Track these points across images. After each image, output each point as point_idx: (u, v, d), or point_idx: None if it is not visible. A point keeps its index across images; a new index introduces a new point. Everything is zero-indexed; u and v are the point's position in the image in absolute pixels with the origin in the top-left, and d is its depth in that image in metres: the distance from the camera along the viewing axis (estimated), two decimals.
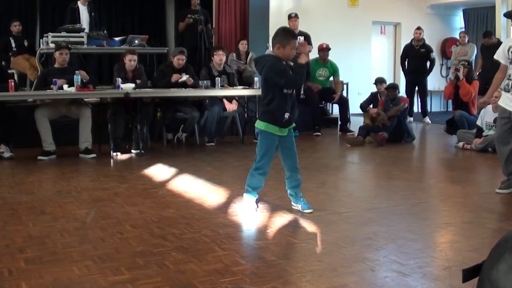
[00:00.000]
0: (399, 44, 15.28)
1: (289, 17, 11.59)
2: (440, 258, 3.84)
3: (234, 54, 10.82)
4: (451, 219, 4.98)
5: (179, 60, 8.90)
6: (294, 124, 4.96)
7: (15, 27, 10.86)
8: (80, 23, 10.28)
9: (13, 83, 7.72)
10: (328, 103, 12.09)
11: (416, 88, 12.90)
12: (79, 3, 10.56)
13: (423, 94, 12.93)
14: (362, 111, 10.34)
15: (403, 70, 13.11)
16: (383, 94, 10.01)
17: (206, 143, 9.15)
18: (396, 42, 15.98)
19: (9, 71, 9.97)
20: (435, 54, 13.42)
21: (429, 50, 12.61)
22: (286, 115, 4.79)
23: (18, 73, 10.33)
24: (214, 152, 8.59)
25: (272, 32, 12.03)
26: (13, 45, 10.68)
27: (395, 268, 3.57)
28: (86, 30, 10.26)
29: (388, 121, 9.49)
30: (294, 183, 5.00)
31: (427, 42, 12.82)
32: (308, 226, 4.52)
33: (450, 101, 11.70)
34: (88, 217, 4.81)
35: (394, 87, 10.02)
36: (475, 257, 3.68)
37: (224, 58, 9.51)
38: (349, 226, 4.59)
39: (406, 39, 13.83)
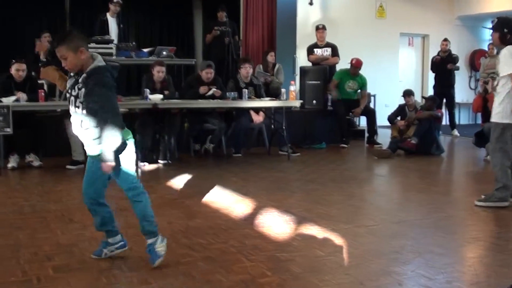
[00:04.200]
0: (427, 56, 15.20)
1: (317, 28, 11.61)
2: (469, 273, 3.81)
3: (261, 66, 10.84)
4: (480, 233, 4.93)
5: (207, 74, 8.92)
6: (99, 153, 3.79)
7: (45, 38, 11.00)
8: (109, 35, 10.37)
9: (43, 93, 7.82)
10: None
11: (444, 101, 12.79)
12: (108, 15, 10.67)
13: (451, 106, 12.79)
14: (390, 123, 10.28)
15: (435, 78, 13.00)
16: (411, 107, 9.96)
17: (233, 154, 9.17)
18: (424, 54, 15.91)
19: (39, 82, 10.09)
20: (462, 66, 13.27)
21: (454, 58, 12.51)
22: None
23: (47, 84, 10.44)
24: (241, 163, 8.61)
25: (300, 43, 12.14)
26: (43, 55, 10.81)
27: (423, 283, 3.54)
28: (115, 41, 10.35)
29: (416, 121, 9.48)
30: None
31: (456, 55, 12.71)
32: (335, 238, 4.49)
33: (478, 114, 11.58)
34: None
35: (433, 99, 10.01)
36: (506, 272, 3.65)
37: (250, 71, 9.49)
38: (376, 239, 4.57)
39: (434, 51, 13.74)
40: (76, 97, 3.79)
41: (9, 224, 4.93)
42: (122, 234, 4.09)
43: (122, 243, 4.07)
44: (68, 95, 3.92)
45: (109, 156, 3.68)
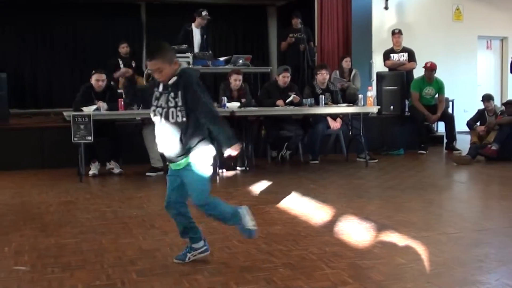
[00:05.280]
0: (506, 59, 14.80)
1: (393, 33, 11.49)
2: None
3: (337, 72, 10.80)
4: None
5: (284, 77, 8.98)
6: (183, 162, 3.99)
7: (123, 48, 11.32)
8: (192, 44, 10.58)
9: (122, 102, 8.02)
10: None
11: None
12: (193, 25, 10.86)
13: None
14: (469, 128, 10.06)
15: None
16: (491, 112, 9.73)
17: (310, 160, 9.16)
18: (503, 57, 15.48)
19: (118, 91, 10.37)
20: None
21: None
22: (159, 148, 4.08)
23: None
24: (318, 170, 8.60)
25: (375, 48, 12.04)
26: (121, 66, 11.10)
27: None
28: (196, 50, 10.55)
29: (496, 127, 9.25)
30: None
31: None
32: (417, 246, 4.43)
33: None
34: None
35: None
36: None
37: (327, 77, 9.45)
38: (459, 247, 4.49)
39: None
40: (174, 107, 3.85)
41: (93, 230, 5.08)
42: (205, 239, 4.15)
43: (205, 247, 4.13)
44: (154, 108, 3.95)
45: (232, 140, 4.00)
